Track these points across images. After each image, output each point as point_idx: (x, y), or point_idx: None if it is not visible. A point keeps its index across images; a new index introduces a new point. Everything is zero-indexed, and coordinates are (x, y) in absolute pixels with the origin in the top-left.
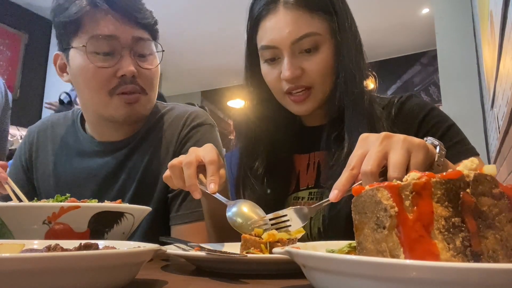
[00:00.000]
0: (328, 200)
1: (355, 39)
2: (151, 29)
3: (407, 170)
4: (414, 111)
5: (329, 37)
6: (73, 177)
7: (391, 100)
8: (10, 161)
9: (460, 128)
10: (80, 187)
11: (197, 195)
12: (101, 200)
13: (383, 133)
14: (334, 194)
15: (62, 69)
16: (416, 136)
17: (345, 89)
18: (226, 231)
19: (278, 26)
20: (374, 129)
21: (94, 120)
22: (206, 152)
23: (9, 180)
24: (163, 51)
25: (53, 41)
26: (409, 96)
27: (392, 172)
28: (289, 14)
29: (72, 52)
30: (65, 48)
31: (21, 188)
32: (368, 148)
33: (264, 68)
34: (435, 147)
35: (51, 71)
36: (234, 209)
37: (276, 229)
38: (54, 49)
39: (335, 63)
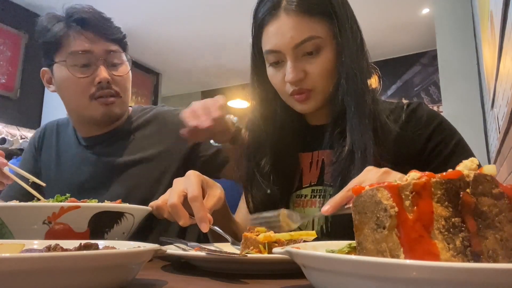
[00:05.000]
0: (320, 213)
1: (356, 39)
2: (121, 42)
3: None
4: (425, 120)
5: (330, 39)
6: (71, 165)
7: (399, 105)
8: (11, 160)
9: (466, 142)
10: (76, 173)
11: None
12: (98, 187)
13: (384, 168)
14: (325, 208)
15: (49, 82)
16: (426, 144)
17: (347, 88)
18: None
19: (280, 32)
20: (376, 128)
21: (78, 121)
22: (187, 186)
23: (10, 165)
24: (132, 60)
25: None
26: (420, 104)
27: None
28: (290, 19)
29: (55, 67)
30: (49, 63)
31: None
32: (368, 177)
33: (270, 71)
34: None
35: None
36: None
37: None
38: None
39: (337, 64)
